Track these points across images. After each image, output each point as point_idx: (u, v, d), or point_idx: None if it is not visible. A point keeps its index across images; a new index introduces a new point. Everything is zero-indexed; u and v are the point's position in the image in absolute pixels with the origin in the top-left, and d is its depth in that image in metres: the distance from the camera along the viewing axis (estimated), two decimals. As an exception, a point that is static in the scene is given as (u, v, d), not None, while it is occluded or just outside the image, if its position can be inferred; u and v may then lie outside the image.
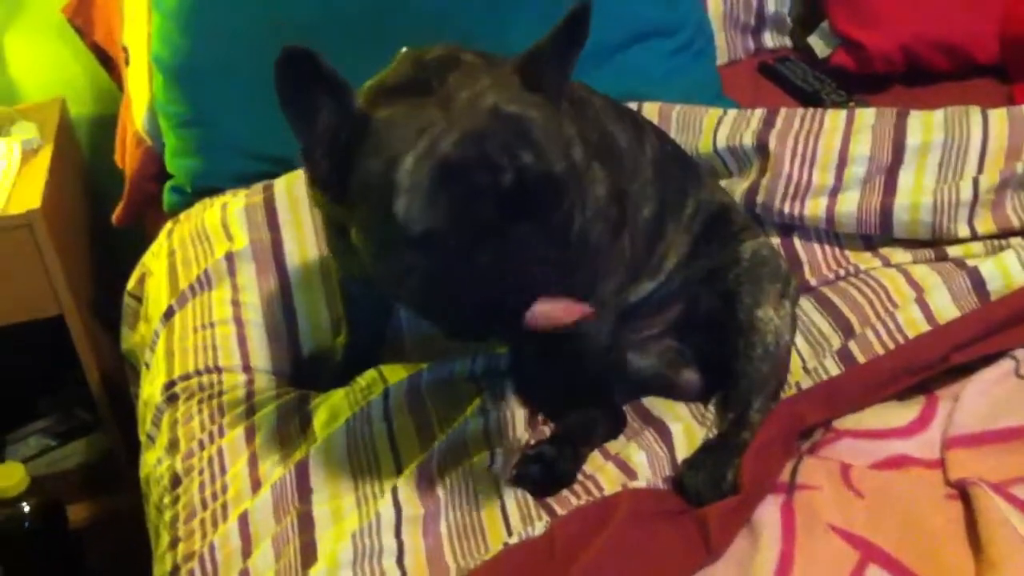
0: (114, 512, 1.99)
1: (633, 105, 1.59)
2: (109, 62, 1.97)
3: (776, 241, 1.49)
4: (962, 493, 1.09)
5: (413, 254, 1.01)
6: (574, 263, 1.02)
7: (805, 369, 1.33)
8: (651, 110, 1.60)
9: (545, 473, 1.21)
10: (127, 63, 1.84)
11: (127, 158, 1.84)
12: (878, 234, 1.48)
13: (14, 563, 1.80)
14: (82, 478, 2.04)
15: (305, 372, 1.40)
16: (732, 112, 1.59)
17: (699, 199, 1.35)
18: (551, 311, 1.00)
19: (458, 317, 1.04)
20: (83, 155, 2.13)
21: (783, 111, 1.57)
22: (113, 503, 2.00)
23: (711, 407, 1.31)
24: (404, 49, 1.23)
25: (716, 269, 1.32)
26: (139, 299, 1.65)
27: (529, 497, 1.18)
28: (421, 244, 1.00)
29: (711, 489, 1.15)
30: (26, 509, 1.76)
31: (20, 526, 1.77)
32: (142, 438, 1.43)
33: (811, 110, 1.57)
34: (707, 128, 1.57)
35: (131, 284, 1.67)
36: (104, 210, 1.94)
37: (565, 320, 1.01)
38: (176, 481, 1.27)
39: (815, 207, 1.48)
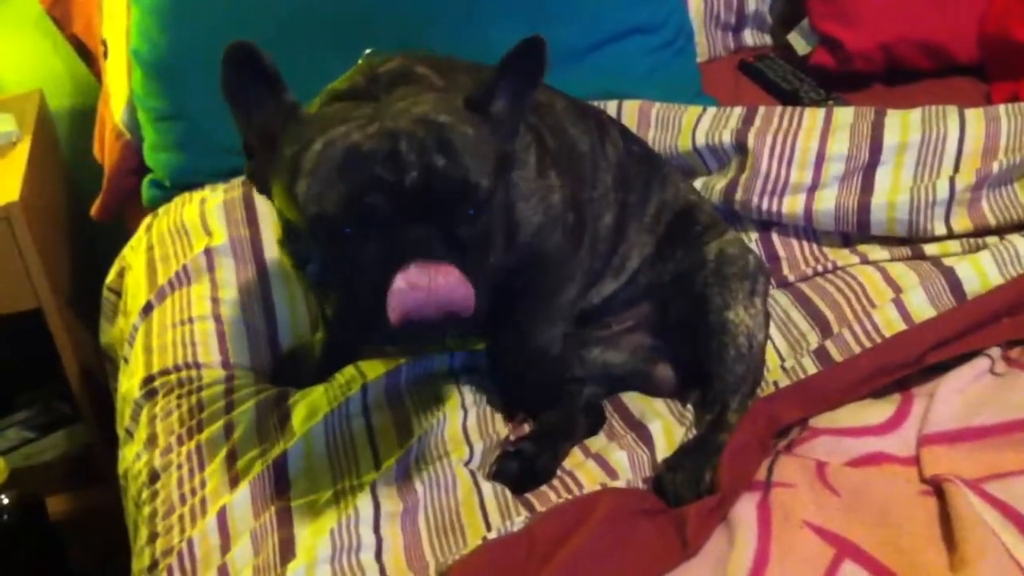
0: (93, 505, 1.98)
1: (613, 103, 1.60)
2: (88, 55, 1.96)
3: (755, 237, 1.51)
4: (937, 490, 1.11)
5: (310, 240, 1.04)
6: (469, 275, 1.00)
7: (783, 368, 1.34)
8: (631, 108, 1.60)
9: (524, 469, 1.22)
10: (106, 56, 1.83)
11: (106, 152, 1.83)
12: (855, 232, 1.49)
13: (-7, 554, 1.80)
14: (61, 471, 2.03)
15: (284, 368, 1.40)
16: (711, 110, 1.60)
17: (663, 199, 1.36)
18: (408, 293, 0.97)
19: (348, 309, 1.06)
20: (62, 148, 2.12)
21: (762, 109, 1.58)
22: (92, 496, 1.99)
23: (690, 405, 1.32)
24: (368, 51, 1.23)
25: (683, 273, 1.32)
26: (118, 293, 1.64)
27: (508, 493, 1.18)
28: (315, 228, 1.02)
29: (689, 490, 1.16)
30: (5, 501, 1.76)
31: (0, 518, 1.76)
32: (120, 433, 1.43)
33: (790, 108, 1.58)
34: (686, 126, 1.58)
35: (110, 278, 1.67)
36: (82, 203, 1.93)
37: (440, 303, 0.98)
38: (154, 476, 1.27)
39: (793, 204, 1.49)
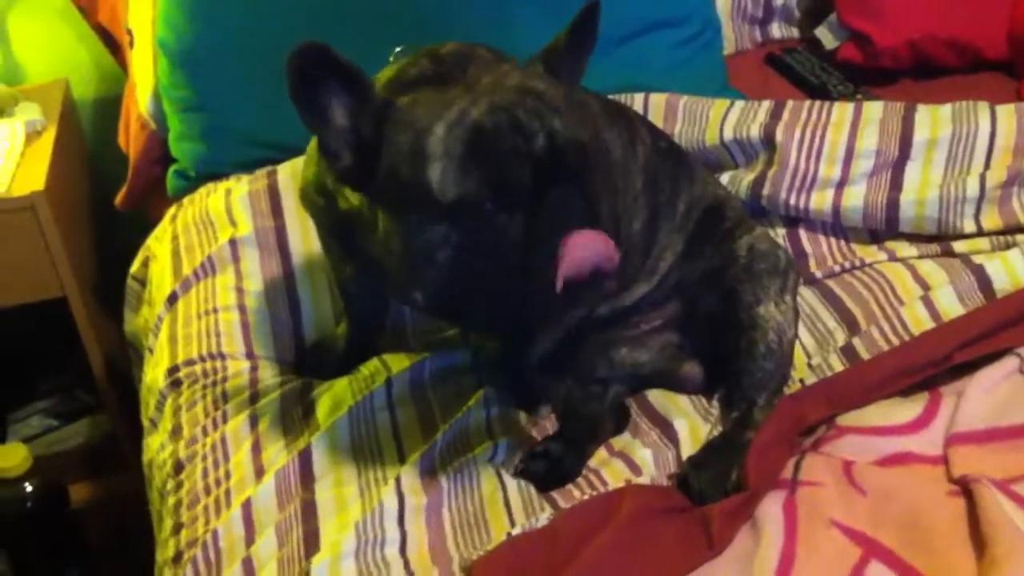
0: (115, 493, 1.99)
1: (639, 96, 1.59)
2: (113, 44, 1.96)
3: (781, 233, 1.50)
4: (965, 490, 1.10)
5: (444, 228, 1.01)
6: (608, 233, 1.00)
7: (810, 365, 1.33)
8: (658, 101, 1.59)
9: (551, 470, 1.21)
10: (131, 46, 1.83)
11: (131, 141, 1.83)
12: (884, 228, 1.48)
13: (16, 543, 1.80)
14: (83, 459, 2.03)
15: (308, 360, 1.40)
16: (739, 104, 1.59)
17: (692, 195, 1.34)
18: (584, 248, 0.98)
19: (481, 303, 1.03)
20: (86, 137, 2.12)
21: (790, 103, 1.56)
22: (114, 484, 2.00)
23: (715, 402, 1.31)
24: (398, 49, 1.22)
25: (714, 270, 1.31)
26: (142, 282, 1.64)
27: (532, 489, 1.18)
28: (454, 213, 1.00)
29: (715, 488, 1.15)
30: (28, 489, 1.76)
31: (22, 506, 1.76)
32: (144, 423, 1.43)
33: (818, 103, 1.57)
34: (714, 119, 1.56)
35: (135, 267, 1.67)
36: (107, 192, 1.93)
37: (597, 260, 0.98)
38: (179, 467, 1.27)
39: (821, 200, 1.48)
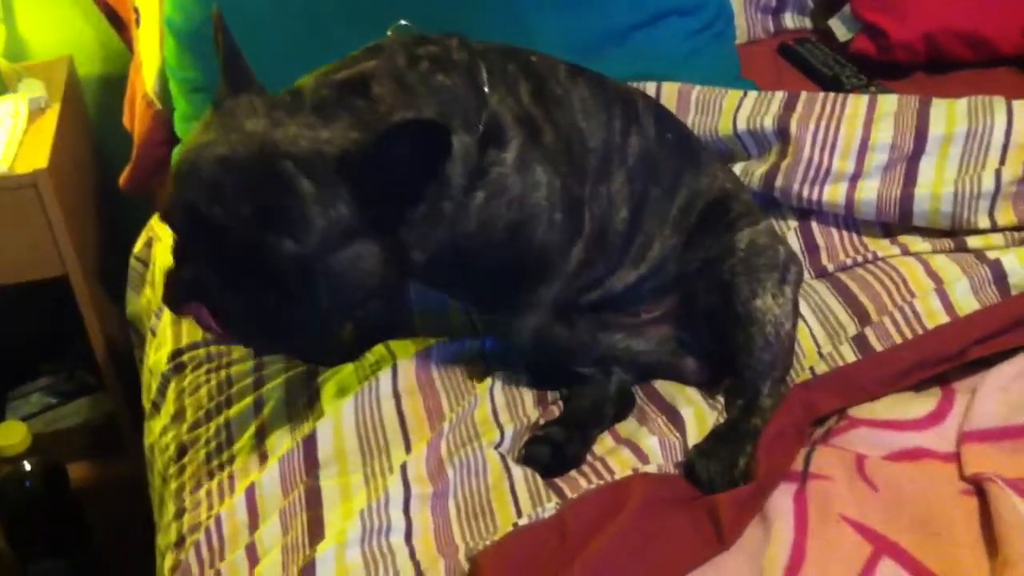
0: (114, 473, 1.98)
1: (652, 85, 1.57)
2: (119, 22, 1.94)
3: (793, 225, 1.48)
4: (978, 489, 1.09)
5: None
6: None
7: (820, 354, 1.32)
8: (670, 91, 1.58)
9: (554, 454, 1.20)
10: (137, 24, 1.81)
11: (136, 121, 1.81)
12: (897, 222, 1.47)
13: (15, 521, 1.79)
14: (83, 438, 2.03)
15: (314, 347, 1.38)
16: (752, 94, 1.57)
17: (696, 188, 1.32)
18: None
19: None
20: (90, 116, 2.10)
21: (804, 95, 1.55)
22: (114, 464, 1.99)
23: (720, 392, 1.30)
24: (402, 22, 1.22)
25: (711, 260, 1.30)
26: (145, 263, 1.63)
27: (538, 478, 1.17)
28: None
29: (723, 477, 1.14)
30: (27, 468, 1.75)
31: (21, 484, 1.75)
32: (146, 406, 1.42)
33: (832, 95, 1.55)
34: (727, 110, 1.55)
35: (137, 248, 1.66)
36: (110, 172, 1.92)
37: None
38: (182, 451, 1.26)
39: (834, 193, 1.47)
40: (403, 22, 1.21)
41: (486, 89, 1.15)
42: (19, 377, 2.08)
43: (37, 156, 1.74)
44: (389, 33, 1.21)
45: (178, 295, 1.07)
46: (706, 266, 1.30)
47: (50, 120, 1.84)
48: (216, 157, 1.02)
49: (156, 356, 1.41)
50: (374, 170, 1.02)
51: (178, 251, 1.08)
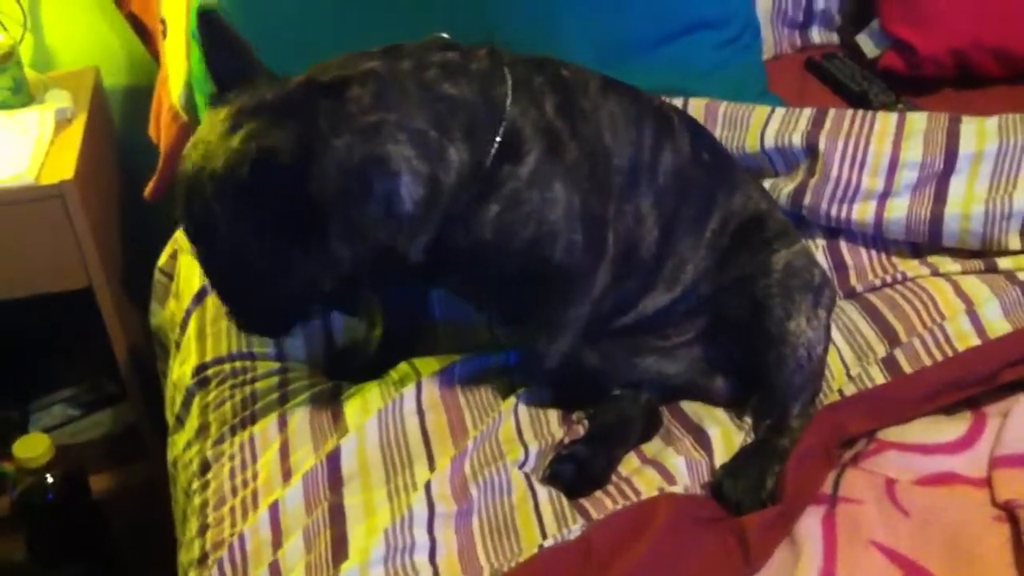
0: (136, 484, 1.98)
1: (679, 100, 1.56)
2: (145, 33, 1.95)
3: (822, 244, 1.47)
4: (1010, 516, 1.07)
5: None
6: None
7: (849, 376, 1.31)
8: (697, 106, 1.56)
9: (578, 473, 1.19)
10: (164, 36, 1.81)
11: (162, 133, 1.81)
12: (927, 242, 1.45)
13: (37, 531, 1.79)
14: (105, 449, 2.03)
15: (337, 363, 1.38)
16: (780, 110, 1.56)
17: (730, 210, 1.31)
18: None
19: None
20: (115, 126, 2.11)
21: (832, 111, 1.54)
22: (136, 475, 1.99)
23: (748, 412, 1.29)
24: (443, 35, 1.21)
25: (745, 278, 1.29)
26: (170, 275, 1.63)
27: (563, 498, 1.16)
28: None
29: (751, 497, 1.14)
30: (50, 480, 1.75)
31: (43, 496, 1.75)
32: (170, 420, 1.42)
33: (861, 112, 1.54)
34: (755, 126, 1.54)
35: (162, 260, 1.66)
36: (135, 182, 1.92)
37: None
38: (206, 466, 1.26)
39: (863, 211, 1.46)
40: (444, 35, 1.20)
41: (508, 100, 1.14)
42: (41, 386, 2.08)
43: (63, 166, 1.74)
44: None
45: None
46: (739, 283, 1.29)
47: (76, 130, 1.84)
48: (180, 171, 1.09)
49: (181, 370, 1.41)
50: (263, 193, 1.04)
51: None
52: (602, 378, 1.30)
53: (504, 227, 1.14)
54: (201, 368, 1.37)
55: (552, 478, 1.19)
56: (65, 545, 1.81)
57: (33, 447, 1.73)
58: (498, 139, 1.12)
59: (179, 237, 1.63)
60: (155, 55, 1.93)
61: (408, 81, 1.11)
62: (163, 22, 1.81)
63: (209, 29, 1.12)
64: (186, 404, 1.36)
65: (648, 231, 1.25)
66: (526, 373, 1.31)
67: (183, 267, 1.57)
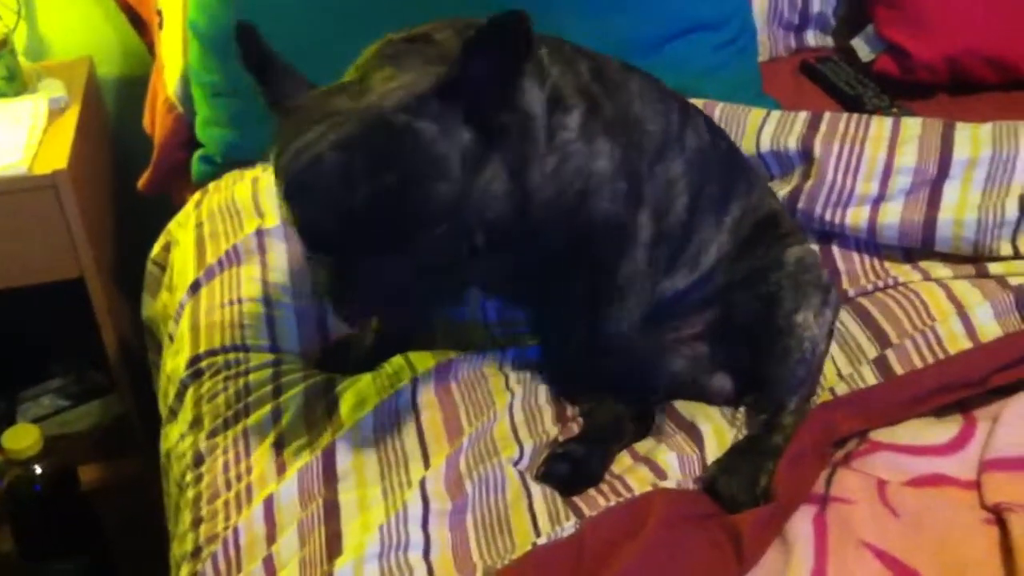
0: (126, 475, 1.98)
1: (676, 101, 1.57)
2: (141, 24, 1.94)
3: (815, 249, 1.48)
4: (999, 519, 1.08)
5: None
6: (419, 288, 1.05)
7: (840, 375, 1.32)
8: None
9: (573, 472, 1.20)
10: (160, 27, 1.81)
11: (157, 124, 1.81)
12: (919, 247, 1.46)
13: (25, 524, 1.78)
14: (94, 440, 2.03)
15: (331, 355, 1.38)
16: (776, 113, 1.57)
17: (746, 204, 1.33)
18: None
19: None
20: (109, 116, 2.10)
21: (827, 115, 1.55)
22: (125, 466, 1.99)
23: (742, 408, 1.30)
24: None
25: (758, 270, 1.31)
26: (162, 267, 1.63)
27: (557, 496, 1.17)
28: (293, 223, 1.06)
29: (745, 494, 1.14)
30: (38, 471, 1.74)
31: (31, 487, 1.75)
32: (163, 411, 1.42)
33: (856, 116, 1.55)
34: (751, 128, 1.55)
35: (155, 251, 1.66)
36: (128, 173, 1.92)
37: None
38: (199, 459, 1.26)
39: (857, 216, 1.47)
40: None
41: (545, 62, 1.16)
42: (30, 376, 2.08)
43: (57, 157, 1.73)
44: None
45: (361, 301, 1.06)
46: (752, 275, 1.31)
47: (69, 120, 1.84)
48: (329, 145, 0.99)
49: (174, 362, 1.41)
50: (471, 82, 1.02)
51: (333, 267, 1.04)
52: (650, 371, 1.31)
53: (560, 181, 1.15)
54: (195, 360, 1.36)
55: (547, 476, 1.20)
56: (53, 536, 1.81)
57: (22, 438, 1.72)
58: (545, 91, 1.14)
59: (173, 229, 1.63)
60: (150, 46, 1.93)
61: (466, 34, 1.12)
62: (159, 13, 1.81)
63: (256, 44, 1.09)
64: (179, 396, 1.36)
65: (678, 196, 1.26)
66: (520, 367, 1.31)
67: (176, 259, 1.57)
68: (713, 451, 1.23)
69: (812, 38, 1.99)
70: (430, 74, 1.05)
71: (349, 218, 0.99)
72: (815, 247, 1.48)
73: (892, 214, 1.46)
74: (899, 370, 1.29)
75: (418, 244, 1.02)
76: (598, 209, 1.18)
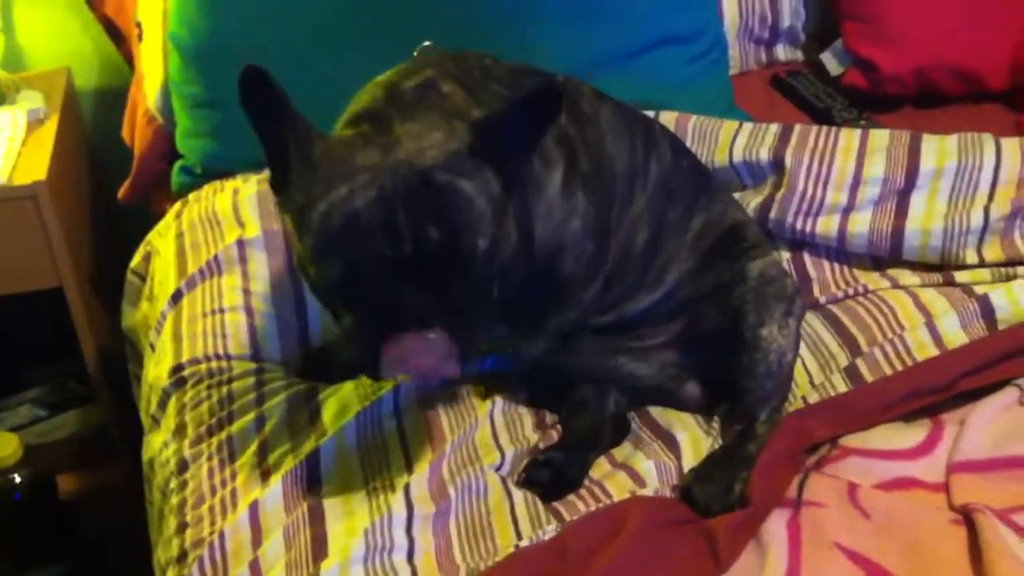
0: (105, 485, 1.97)
1: (650, 114, 1.59)
2: (118, 35, 1.95)
3: (786, 257, 1.51)
4: (967, 519, 1.11)
5: (313, 283, 1.08)
6: (461, 329, 1.04)
7: (812, 384, 1.35)
8: (667, 119, 1.60)
9: (554, 479, 1.22)
10: (140, 39, 1.82)
11: (136, 135, 1.82)
12: (888, 255, 1.50)
13: (4, 533, 1.79)
14: (72, 450, 2.02)
15: (312, 363, 1.40)
16: (748, 126, 1.60)
17: (709, 217, 1.36)
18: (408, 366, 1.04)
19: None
20: (87, 127, 2.11)
21: (798, 127, 1.58)
22: (104, 476, 1.99)
23: (716, 417, 1.33)
24: (425, 43, 1.24)
25: (721, 285, 1.33)
26: (143, 277, 1.63)
27: (539, 502, 1.19)
28: (315, 283, 1.06)
29: (720, 501, 1.17)
30: (17, 480, 1.75)
31: (11, 496, 1.75)
32: (145, 420, 1.43)
33: (825, 128, 1.58)
34: (724, 140, 1.58)
35: (135, 262, 1.66)
36: (107, 183, 1.93)
37: (426, 366, 1.04)
38: (183, 466, 1.27)
39: (827, 225, 1.50)
40: (427, 43, 1.23)
41: None
42: (8, 386, 2.08)
43: (36, 167, 1.74)
44: (415, 54, 1.23)
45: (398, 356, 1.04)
46: (717, 291, 1.33)
47: (48, 131, 1.84)
48: (367, 202, 1.00)
49: (156, 371, 1.42)
50: (503, 142, 1.05)
51: (365, 319, 1.04)
52: (571, 375, 1.33)
53: (546, 233, 1.18)
54: (177, 368, 1.38)
55: (528, 482, 1.22)
56: (33, 545, 1.81)
57: (2, 446, 1.73)
58: None
59: (153, 239, 1.64)
60: (128, 58, 1.94)
61: (468, 81, 1.18)
62: (139, 25, 1.82)
63: (254, 88, 1.04)
64: (162, 404, 1.37)
65: (639, 233, 1.29)
66: (501, 376, 1.34)
67: (157, 269, 1.58)
68: (690, 459, 1.25)
69: (782, 52, 2.02)
70: (456, 129, 1.07)
71: (390, 270, 1.00)
72: (787, 255, 1.51)
73: (861, 223, 1.49)
74: (869, 378, 1.32)
75: (455, 296, 1.03)
76: (564, 267, 1.20)
